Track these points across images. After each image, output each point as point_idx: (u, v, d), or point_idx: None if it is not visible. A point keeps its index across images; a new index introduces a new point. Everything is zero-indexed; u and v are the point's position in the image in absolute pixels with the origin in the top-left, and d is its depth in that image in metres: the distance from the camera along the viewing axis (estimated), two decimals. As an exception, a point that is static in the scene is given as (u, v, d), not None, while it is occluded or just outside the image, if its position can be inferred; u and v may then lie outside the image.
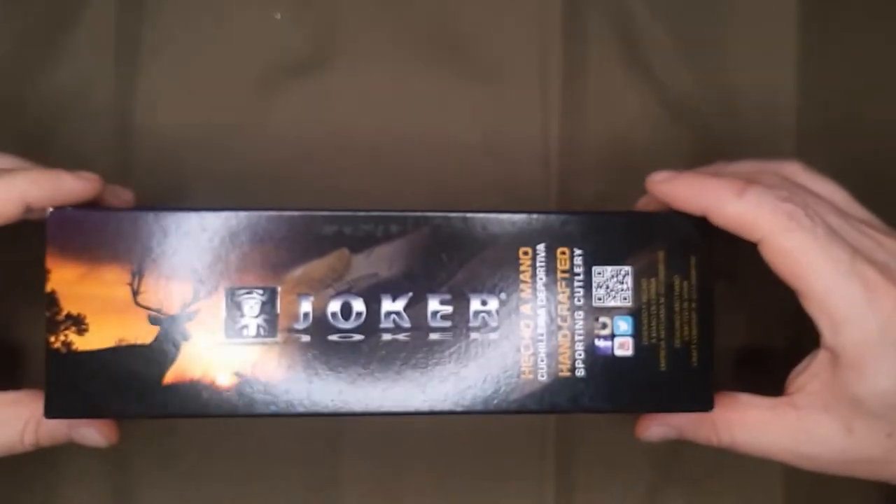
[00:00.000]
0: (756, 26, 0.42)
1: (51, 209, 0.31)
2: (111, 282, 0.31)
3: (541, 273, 0.32)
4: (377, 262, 0.31)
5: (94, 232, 0.31)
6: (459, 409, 0.31)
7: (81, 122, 0.40)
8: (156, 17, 0.40)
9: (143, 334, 0.31)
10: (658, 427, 0.34)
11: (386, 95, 0.40)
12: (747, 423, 0.32)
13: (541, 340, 0.32)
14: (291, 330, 0.31)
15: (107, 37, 0.40)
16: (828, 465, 0.32)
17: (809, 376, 0.32)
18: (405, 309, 0.31)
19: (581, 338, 0.32)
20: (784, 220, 0.30)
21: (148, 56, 0.40)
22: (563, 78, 0.41)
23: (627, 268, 0.32)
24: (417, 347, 0.31)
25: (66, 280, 0.30)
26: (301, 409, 0.31)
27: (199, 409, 0.31)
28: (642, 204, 0.37)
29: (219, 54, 0.40)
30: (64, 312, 0.30)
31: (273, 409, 0.31)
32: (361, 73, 0.40)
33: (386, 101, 0.40)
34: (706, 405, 0.32)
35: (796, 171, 0.35)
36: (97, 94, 0.40)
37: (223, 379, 0.31)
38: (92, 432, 0.32)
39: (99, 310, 0.30)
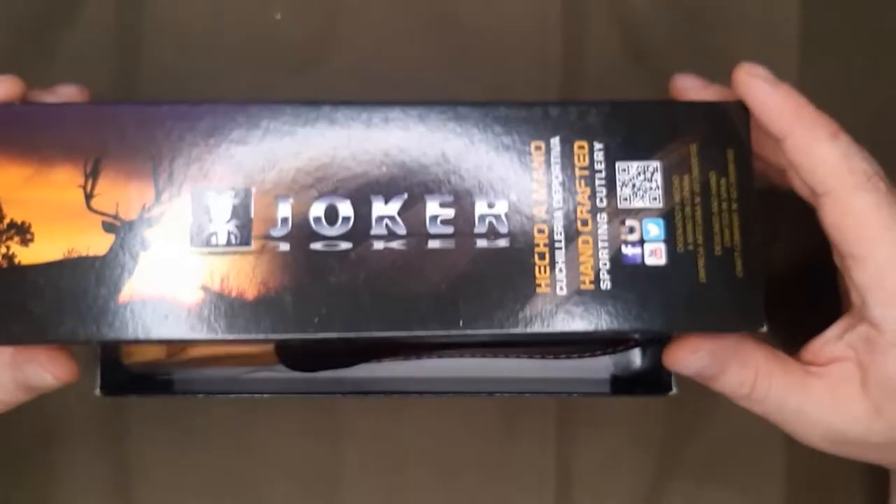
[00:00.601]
0: (758, 21, 0.41)
1: (-6, 104, 0.27)
2: (61, 184, 0.27)
3: (556, 170, 0.28)
4: (367, 158, 0.27)
5: (43, 128, 0.27)
6: (463, 331, 0.27)
7: None
8: (156, 18, 0.39)
9: (96, 244, 0.26)
10: (695, 356, 0.29)
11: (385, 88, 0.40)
12: (788, 380, 0.30)
13: (558, 248, 0.27)
14: (268, 237, 0.27)
15: (106, 36, 0.39)
16: (848, 447, 0.30)
17: (845, 347, 0.30)
18: (400, 213, 0.27)
19: (605, 245, 0.27)
20: (863, 179, 0.28)
21: (147, 57, 0.39)
22: (562, 73, 0.40)
23: (656, 163, 0.28)
24: (414, 257, 0.27)
25: (9, 184, 0.27)
26: (278, 333, 0.27)
27: (160, 331, 0.26)
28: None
29: (219, 53, 0.40)
30: (6, 220, 0.26)
31: (245, 331, 0.26)
32: (361, 72, 0.40)
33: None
34: (756, 322, 0.27)
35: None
36: (97, 92, 0.38)
37: (188, 295, 0.26)
38: (35, 369, 0.28)
39: (47, 217, 0.26)
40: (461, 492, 0.40)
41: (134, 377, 0.36)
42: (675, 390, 0.35)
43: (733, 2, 0.41)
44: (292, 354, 0.34)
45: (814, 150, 0.28)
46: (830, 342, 0.30)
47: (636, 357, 0.39)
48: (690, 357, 0.29)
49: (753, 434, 0.40)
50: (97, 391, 0.34)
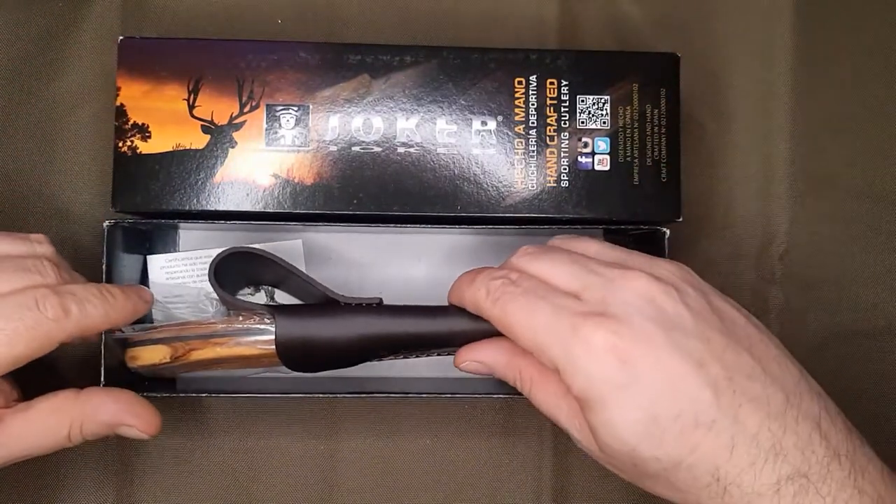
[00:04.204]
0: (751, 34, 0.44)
1: (121, 37, 0.37)
2: (171, 97, 0.36)
3: (532, 100, 0.37)
4: (393, 86, 0.37)
5: (157, 56, 0.37)
6: (459, 213, 0.37)
7: (79, 126, 0.42)
8: (160, 24, 0.42)
9: (196, 141, 0.36)
10: (464, 364, 0.34)
11: None
12: (547, 391, 0.33)
13: (532, 156, 0.37)
14: (321, 141, 0.37)
15: (111, 45, 0.39)
16: (595, 454, 0.32)
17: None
18: (417, 127, 0.37)
19: (566, 155, 0.37)
20: (492, 293, 0.32)
21: None
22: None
23: (606, 97, 0.38)
24: (427, 159, 0.37)
25: (133, 95, 0.36)
26: (327, 210, 0.37)
27: (243, 205, 0.36)
28: None
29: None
30: (131, 122, 0.36)
31: (304, 207, 0.36)
32: None
33: None
34: (675, 214, 0.37)
35: (555, 240, 0.35)
36: (98, 103, 0.42)
37: (263, 179, 0.37)
38: (133, 431, 0.33)
39: (160, 120, 0.36)
40: (459, 492, 0.42)
41: (137, 377, 0.38)
42: None
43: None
44: (294, 357, 0.36)
45: (465, 299, 0.33)
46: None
47: None
48: (462, 365, 0.34)
49: None
50: None
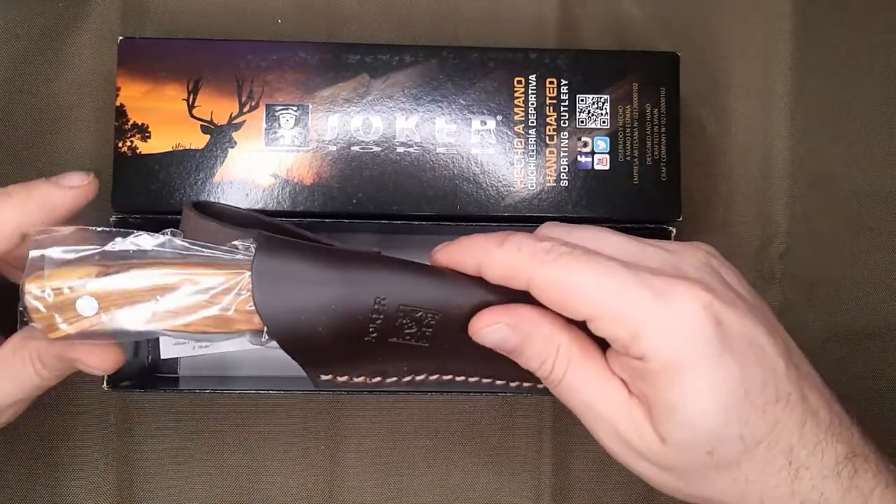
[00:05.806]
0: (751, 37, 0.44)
1: (121, 37, 0.37)
2: (171, 97, 0.36)
3: (532, 99, 0.37)
4: (393, 86, 0.37)
5: (157, 56, 0.37)
6: (460, 212, 0.37)
7: (79, 126, 0.42)
8: (160, 23, 0.42)
9: (196, 141, 0.36)
10: (490, 328, 0.28)
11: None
12: (587, 370, 0.28)
13: (531, 156, 0.37)
14: (320, 141, 0.37)
15: (111, 45, 0.39)
16: (640, 465, 0.28)
17: (627, 370, 0.28)
18: (416, 126, 0.37)
19: (565, 154, 0.37)
20: (542, 254, 0.27)
21: None
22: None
23: (606, 96, 0.38)
24: (426, 159, 0.37)
25: (132, 96, 0.36)
26: (327, 209, 0.37)
27: (243, 204, 0.36)
28: None
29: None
30: (131, 122, 0.36)
31: (303, 206, 0.36)
32: None
33: None
34: (675, 213, 0.37)
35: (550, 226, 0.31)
36: (97, 103, 0.42)
37: (263, 179, 0.37)
38: (82, 365, 0.30)
39: (160, 120, 0.36)
40: (459, 492, 0.42)
41: (141, 372, 0.38)
42: None
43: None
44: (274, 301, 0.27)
45: (494, 261, 0.28)
46: (612, 359, 0.28)
47: None
48: (486, 330, 0.28)
49: None
50: (104, 386, 0.36)
